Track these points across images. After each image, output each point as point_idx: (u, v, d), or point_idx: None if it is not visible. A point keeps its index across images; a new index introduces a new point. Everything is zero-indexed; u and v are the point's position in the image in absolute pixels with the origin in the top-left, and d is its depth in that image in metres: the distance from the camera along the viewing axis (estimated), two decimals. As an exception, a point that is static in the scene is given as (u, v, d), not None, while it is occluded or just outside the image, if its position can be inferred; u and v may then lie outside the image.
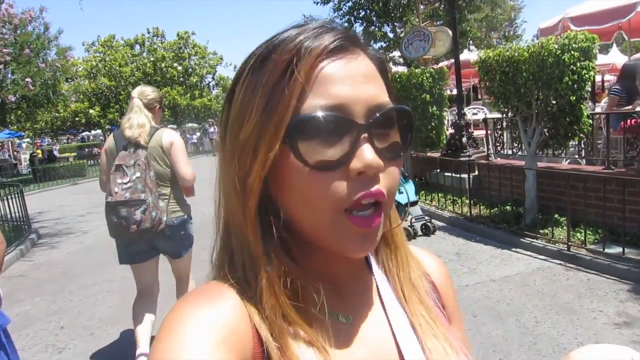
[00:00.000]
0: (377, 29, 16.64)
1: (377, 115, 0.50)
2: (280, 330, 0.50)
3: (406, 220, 6.29)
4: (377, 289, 0.62)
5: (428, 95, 8.08)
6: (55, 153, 31.34)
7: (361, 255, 0.53)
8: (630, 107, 5.75)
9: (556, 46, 4.96)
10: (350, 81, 0.49)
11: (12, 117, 14.58)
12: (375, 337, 0.57)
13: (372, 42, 16.45)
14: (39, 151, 31.56)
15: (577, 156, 6.43)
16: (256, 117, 0.50)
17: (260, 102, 0.50)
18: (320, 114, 0.48)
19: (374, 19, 16.41)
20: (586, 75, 4.95)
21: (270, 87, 0.49)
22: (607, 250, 4.59)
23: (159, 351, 0.45)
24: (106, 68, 27.26)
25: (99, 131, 37.51)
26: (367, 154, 0.48)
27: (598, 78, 8.72)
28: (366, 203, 0.50)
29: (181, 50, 29.58)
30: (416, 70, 8.43)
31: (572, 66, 4.87)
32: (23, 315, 4.68)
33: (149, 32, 29.69)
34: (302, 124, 0.48)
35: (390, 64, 17.64)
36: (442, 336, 0.60)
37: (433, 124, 8.31)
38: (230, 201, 0.54)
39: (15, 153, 32.16)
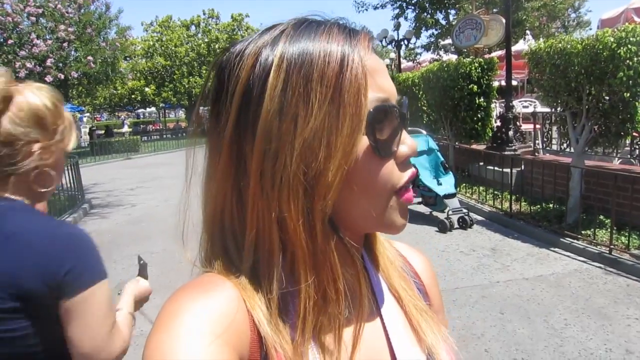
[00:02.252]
0: (429, 15, 16.20)
1: (404, 104, 0.55)
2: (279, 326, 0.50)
3: (443, 212, 6.21)
4: (368, 276, 0.63)
5: (475, 86, 7.87)
6: (126, 127, 32.73)
7: (403, 229, 0.56)
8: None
9: (612, 39, 4.69)
10: (387, 74, 0.53)
11: (73, 93, 15.44)
12: (369, 330, 0.58)
13: (423, 29, 16.06)
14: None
15: (629, 156, 6.11)
16: (323, 110, 0.47)
17: (322, 94, 0.47)
18: (389, 104, 0.51)
19: (427, 5, 15.99)
20: (643, 71, 4.67)
21: (331, 79, 0.48)
22: (651, 257, 4.38)
23: (155, 345, 0.44)
24: (162, 48, 28.05)
25: (153, 109, 38.91)
26: (409, 139, 0.53)
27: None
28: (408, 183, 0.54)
29: (235, 32, 29.86)
30: (465, 60, 8.21)
31: (628, 61, 4.60)
32: (71, 278, 5.02)
33: (204, 14, 30.23)
34: (379, 115, 0.49)
35: (442, 52, 17.20)
36: (426, 313, 0.63)
37: (479, 115, 8.10)
38: (281, 202, 0.48)
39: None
